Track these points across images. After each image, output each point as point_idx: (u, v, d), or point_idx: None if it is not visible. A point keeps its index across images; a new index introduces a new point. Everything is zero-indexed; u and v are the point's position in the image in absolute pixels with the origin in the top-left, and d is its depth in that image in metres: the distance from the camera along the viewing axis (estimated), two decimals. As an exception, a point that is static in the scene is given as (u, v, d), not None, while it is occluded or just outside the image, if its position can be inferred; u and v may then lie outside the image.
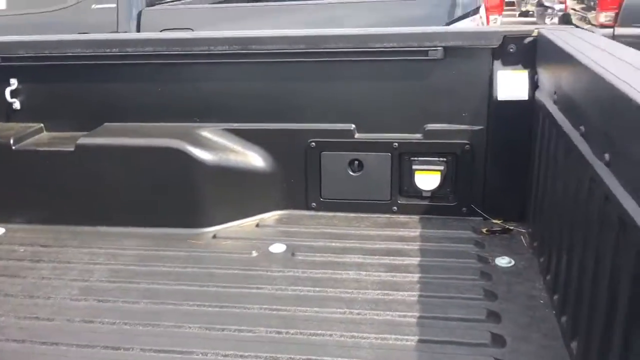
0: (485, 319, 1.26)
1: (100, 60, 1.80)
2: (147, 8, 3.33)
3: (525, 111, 1.57)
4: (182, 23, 3.25)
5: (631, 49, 1.24)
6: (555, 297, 1.28)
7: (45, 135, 1.88)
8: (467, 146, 1.66)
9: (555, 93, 1.34)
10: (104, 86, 1.84)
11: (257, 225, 1.75)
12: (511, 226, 1.64)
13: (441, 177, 1.70)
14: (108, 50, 1.80)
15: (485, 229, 1.64)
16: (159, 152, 1.72)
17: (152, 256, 1.59)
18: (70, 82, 1.86)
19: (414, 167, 1.71)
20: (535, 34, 1.55)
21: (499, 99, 1.59)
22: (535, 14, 9.74)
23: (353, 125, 1.72)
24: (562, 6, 7.80)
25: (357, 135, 1.72)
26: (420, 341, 1.20)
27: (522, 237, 1.60)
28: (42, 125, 1.90)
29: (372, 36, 1.66)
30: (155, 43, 1.77)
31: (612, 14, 5.50)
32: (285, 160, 1.76)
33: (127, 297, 1.40)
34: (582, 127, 1.11)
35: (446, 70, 1.63)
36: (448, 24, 2.95)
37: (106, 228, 1.73)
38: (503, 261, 1.48)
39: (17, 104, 1.88)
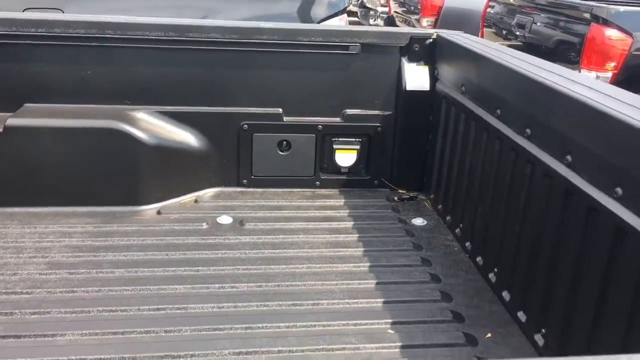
0: (421, 263, 1.58)
1: (21, 40, 1.76)
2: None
3: (427, 100, 1.93)
4: (47, 2, 3.11)
5: (514, 50, 1.65)
6: (467, 244, 1.64)
7: None
8: (379, 128, 1.97)
9: (462, 85, 1.70)
10: (22, 66, 1.80)
11: (196, 201, 1.87)
12: (416, 194, 1.99)
13: (357, 155, 1.99)
14: (30, 29, 1.77)
15: (395, 197, 1.97)
16: (98, 132, 1.75)
17: (106, 232, 1.64)
18: None
19: (335, 146, 1.97)
20: (434, 36, 1.91)
21: (406, 89, 1.92)
22: (358, 15, 10.55)
23: (281, 110, 1.92)
24: (386, 9, 8.60)
25: (285, 118, 1.93)
26: (374, 284, 1.47)
27: (425, 202, 1.96)
28: None
29: (300, 30, 1.88)
30: (87, 25, 1.79)
31: (432, 19, 6.31)
32: (219, 141, 1.90)
33: (98, 268, 1.46)
34: (498, 111, 1.47)
35: (362, 63, 1.92)
36: (320, 21, 3.25)
37: (47, 208, 1.72)
38: (418, 221, 1.82)
39: None
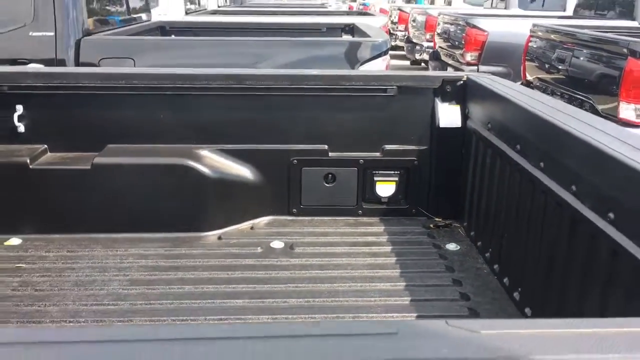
0: (452, 283, 1.75)
1: (100, 91, 2.07)
2: (86, 37, 3.52)
3: (459, 135, 2.12)
4: (120, 53, 3.48)
5: (535, 92, 1.83)
6: (495, 266, 1.80)
7: (50, 155, 2.09)
8: (416, 162, 2.17)
9: (489, 123, 1.89)
10: (105, 112, 2.10)
11: (252, 228, 2.11)
12: (450, 222, 2.17)
13: (396, 186, 2.19)
14: (111, 82, 2.08)
15: (431, 225, 2.15)
16: (169, 168, 2.03)
17: (176, 254, 1.90)
18: (71, 108, 2.10)
19: (375, 178, 2.18)
20: (464, 78, 2.11)
21: (439, 126, 2.12)
22: (405, 50, 10.81)
23: (327, 146, 2.15)
24: (431, 44, 8.84)
25: (330, 154, 2.16)
26: (408, 301, 1.66)
27: (459, 229, 2.13)
28: (45, 146, 2.10)
29: (342, 76, 2.12)
30: (159, 77, 2.09)
31: (476, 54, 6.49)
32: (272, 175, 2.15)
33: (170, 284, 1.71)
34: (517, 146, 1.65)
35: (399, 104, 2.13)
36: (365, 62, 3.50)
37: (126, 235, 1.99)
38: (451, 246, 2.00)
39: (21, 128, 2.07)
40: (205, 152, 2.10)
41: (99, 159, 2.01)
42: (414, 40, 10.50)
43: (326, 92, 2.11)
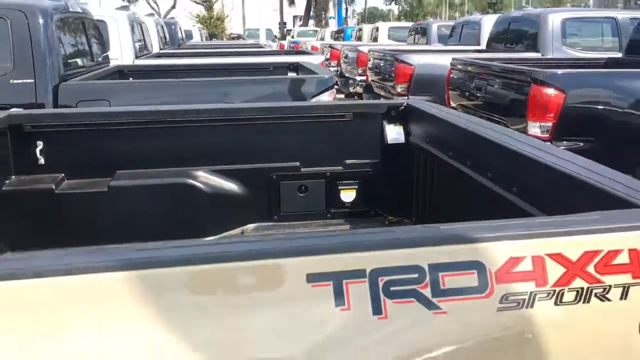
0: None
1: (108, 127, 2.49)
2: (63, 83, 3.89)
3: (404, 149, 2.67)
4: (96, 96, 3.87)
5: (459, 112, 2.41)
6: None
7: (68, 182, 2.48)
8: (370, 172, 2.70)
9: (427, 137, 2.45)
10: (112, 143, 2.52)
11: (242, 233, 2.56)
12: (402, 219, 2.70)
13: (356, 192, 2.71)
14: (116, 119, 2.50)
15: (387, 222, 2.68)
16: (171, 187, 2.46)
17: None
18: (83, 141, 2.50)
19: (339, 187, 2.69)
20: (405, 104, 2.68)
21: (388, 142, 2.67)
22: (338, 84, 11.53)
23: (299, 163, 2.65)
24: (363, 77, 9.57)
25: (302, 169, 2.65)
26: None
27: (410, 224, 2.67)
28: (63, 175, 2.49)
29: (309, 107, 2.64)
30: (157, 114, 2.53)
31: (405, 85, 7.22)
32: (256, 188, 2.61)
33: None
34: (450, 153, 2.21)
35: (355, 126, 2.67)
36: (313, 96, 4.04)
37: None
38: (404, 235, 2.52)
39: (42, 160, 2.45)
40: (200, 172, 2.55)
41: (114, 182, 2.42)
42: (347, 75, 11.26)
43: (296, 120, 2.62)
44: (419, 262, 0.99)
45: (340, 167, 2.67)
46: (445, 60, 6.56)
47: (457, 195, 2.15)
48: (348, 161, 2.67)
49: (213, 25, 38.89)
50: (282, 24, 47.54)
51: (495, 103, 4.96)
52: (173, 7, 36.46)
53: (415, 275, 0.98)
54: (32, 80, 3.81)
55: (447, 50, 8.96)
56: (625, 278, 1.01)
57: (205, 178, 2.54)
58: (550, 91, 4.26)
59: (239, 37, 38.97)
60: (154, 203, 2.43)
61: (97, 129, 2.48)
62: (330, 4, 43.25)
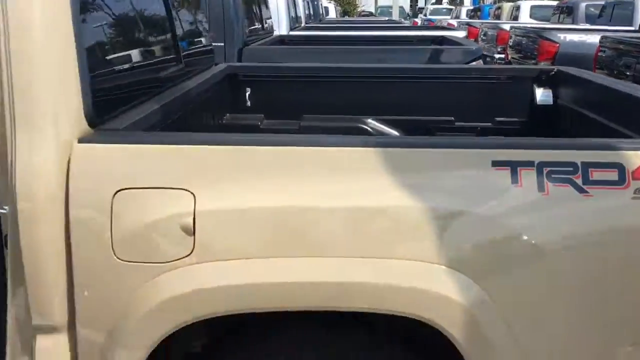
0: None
1: (299, 79, 3.07)
2: (245, 47, 4.60)
3: (551, 111, 2.98)
4: (269, 60, 4.52)
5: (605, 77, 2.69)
6: None
7: (267, 121, 3.10)
8: (518, 129, 3.04)
9: (578, 100, 2.75)
10: (302, 93, 3.10)
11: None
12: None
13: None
14: (306, 72, 3.07)
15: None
16: (348, 129, 2.99)
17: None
18: (279, 90, 3.10)
19: (488, 141, 3.07)
20: (555, 70, 2.98)
21: (537, 103, 2.99)
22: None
23: (453, 118, 3.06)
24: (502, 55, 9.63)
25: (456, 123, 3.06)
26: None
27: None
28: (263, 115, 3.11)
29: (467, 70, 3.04)
30: (337, 70, 3.07)
31: (548, 63, 7.27)
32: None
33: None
34: (598, 111, 2.52)
35: (507, 88, 3.02)
36: (465, 63, 4.40)
37: None
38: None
39: (248, 103, 3.09)
40: (369, 120, 3.05)
41: (303, 123, 2.99)
42: (485, 53, 11.29)
43: (454, 80, 3.03)
44: (574, 159, 1.40)
45: (490, 124, 3.05)
46: (592, 39, 6.55)
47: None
48: (498, 118, 3.04)
49: (346, 2, 39.45)
50: (415, 1, 47.11)
51: (644, 80, 4.99)
52: (311, -16, 37.50)
53: (571, 169, 1.40)
54: (223, 44, 4.53)
55: (594, 29, 8.76)
56: None
57: (373, 125, 3.04)
58: None
59: (370, 14, 39.19)
60: None
61: (290, 80, 3.07)
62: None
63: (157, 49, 2.23)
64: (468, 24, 13.75)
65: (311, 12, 11.65)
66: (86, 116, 1.57)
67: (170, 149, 1.49)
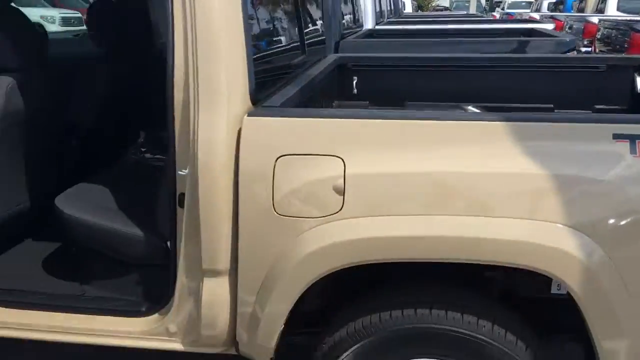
0: None
1: (402, 68, 3.28)
2: (342, 40, 4.85)
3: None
4: (365, 51, 4.75)
5: None
6: None
7: (371, 108, 3.33)
8: None
9: None
10: (404, 81, 3.31)
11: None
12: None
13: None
14: (408, 62, 3.28)
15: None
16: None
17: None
18: (383, 78, 3.33)
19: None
20: (654, 59, 3.05)
21: (638, 91, 3.07)
22: (560, 55, 11.31)
23: (552, 105, 3.18)
24: (589, 49, 9.43)
25: (555, 110, 3.18)
26: None
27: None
28: (368, 102, 3.35)
29: (567, 59, 3.16)
30: (436, 60, 3.26)
31: (640, 55, 7.11)
32: None
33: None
34: None
35: (607, 76, 3.11)
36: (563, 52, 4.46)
37: None
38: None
39: (355, 90, 3.34)
40: (469, 107, 3.23)
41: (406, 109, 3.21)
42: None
43: (555, 69, 3.16)
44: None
45: (590, 111, 3.15)
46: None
47: None
48: (597, 106, 3.14)
49: (421, -4, 39.07)
50: (491, -6, 45.98)
51: None
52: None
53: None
54: (323, 37, 4.80)
55: (691, 20, 8.45)
56: None
57: (473, 111, 3.21)
58: None
59: (444, 8, 38.66)
60: None
61: (393, 70, 3.29)
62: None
63: (291, 40, 2.51)
64: (552, 16, 13.45)
65: (392, 7, 11.80)
66: (250, 95, 1.86)
67: (323, 122, 1.76)
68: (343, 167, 1.69)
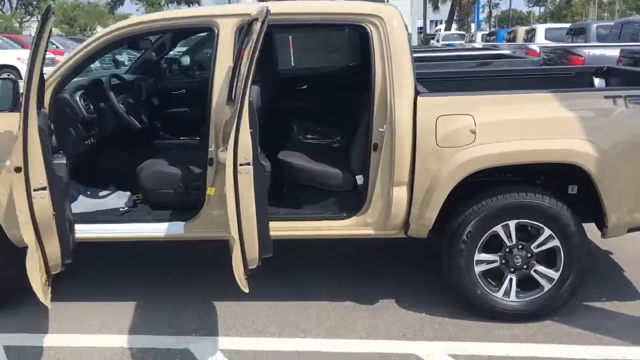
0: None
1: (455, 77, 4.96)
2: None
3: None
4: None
5: None
6: None
7: None
8: None
9: None
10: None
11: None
12: None
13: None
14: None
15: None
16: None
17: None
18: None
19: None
20: (606, 67, 4.85)
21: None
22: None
23: None
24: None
25: None
26: None
27: None
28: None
29: (539, 70, 4.92)
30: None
31: (577, 73, 9.19)
32: None
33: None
34: None
35: (575, 80, 4.89)
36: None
37: None
38: None
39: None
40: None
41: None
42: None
43: (541, 76, 4.91)
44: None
45: None
46: (609, 53, 8.51)
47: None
48: None
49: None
50: (421, 28, 49.38)
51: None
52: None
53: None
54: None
55: (610, 45, 10.71)
56: None
57: None
58: None
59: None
60: None
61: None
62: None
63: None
64: (494, 46, 15.74)
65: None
66: (415, 87, 3.46)
67: (459, 97, 3.40)
68: (474, 120, 3.32)
